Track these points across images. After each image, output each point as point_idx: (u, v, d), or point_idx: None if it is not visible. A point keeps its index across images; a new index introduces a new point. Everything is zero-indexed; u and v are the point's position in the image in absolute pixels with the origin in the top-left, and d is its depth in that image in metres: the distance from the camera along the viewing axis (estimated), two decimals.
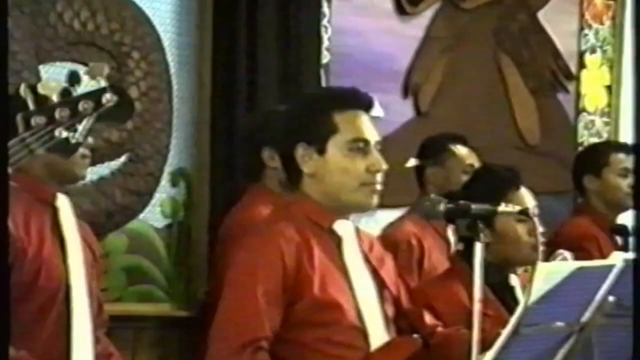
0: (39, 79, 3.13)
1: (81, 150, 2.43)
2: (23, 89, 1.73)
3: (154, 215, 3.46)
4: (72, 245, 2.44)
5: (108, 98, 1.75)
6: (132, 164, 3.41)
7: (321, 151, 2.30)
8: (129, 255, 3.36)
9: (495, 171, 2.87)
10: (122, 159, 3.38)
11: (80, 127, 1.75)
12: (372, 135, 2.33)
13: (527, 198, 2.72)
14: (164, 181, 3.49)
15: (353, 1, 3.96)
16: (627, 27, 4.76)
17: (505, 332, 2.15)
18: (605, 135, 4.76)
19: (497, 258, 2.67)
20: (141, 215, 3.43)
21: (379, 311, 2.34)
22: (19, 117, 1.72)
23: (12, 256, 2.26)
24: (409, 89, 4.14)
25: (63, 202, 2.47)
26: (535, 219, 2.63)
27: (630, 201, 3.74)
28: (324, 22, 3.83)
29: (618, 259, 2.27)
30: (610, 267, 2.23)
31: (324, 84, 3.78)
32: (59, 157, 2.33)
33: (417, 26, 4.16)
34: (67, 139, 1.72)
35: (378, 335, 2.31)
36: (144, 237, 3.41)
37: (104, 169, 3.33)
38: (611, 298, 2.22)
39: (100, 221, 3.31)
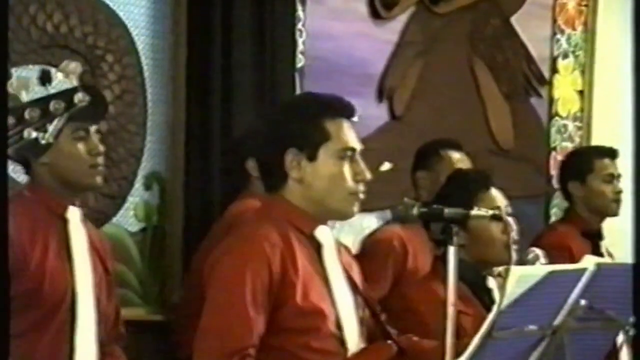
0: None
1: (89, 159, 2.46)
2: None
3: (127, 219, 3.44)
4: (80, 256, 2.43)
5: (80, 98, 1.72)
6: (106, 168, 3.39)
7: (312, 158, 2.30)
8: None
9: (466, 174, 2.91)
10: None
11: (50, 128, 1.71)
12: (357, 143, 2.36)
13: (498, 198, 2.76)
14: (138, 185, 3.48)
15: (328, 5, 3.97)
16: (599, 32, 4.80)
17: (478, 336, 2.16)
18: (577, 140, 4.80)
19: (473, 258, 2.71)
20: (115, 219, 3.41)
21: (355, 318, 2.34)
22: None
23: (12, 265, 2.24)
24: (383, 93, 4.15)
25: (74, 214, 2.46)
26: (509, 218, 2.66)
27: (615, 207, 3.75)
28: (299, 26, 3.83)
29: (590, 262, 2.28)
30: (582, 271, 2.25)
31: (298, 87, 3.78)
32: (67, 169, 2.36)
33: (391, 30, 4.17)
34: (36, 139, 1.69)
35: (355, 342, 2.31)
36: (118, 241, 3.39)
37: None
38: (583, 302, 2.24)
39: None
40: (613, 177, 3.74)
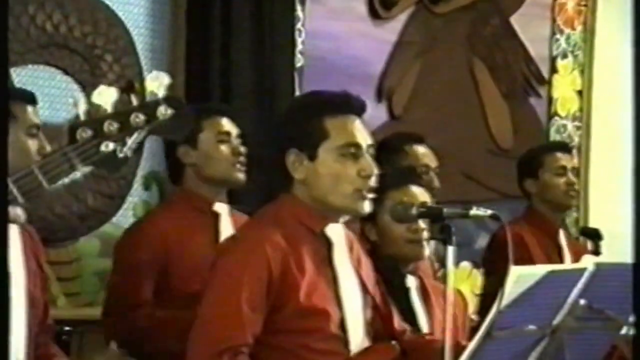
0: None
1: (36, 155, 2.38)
2: (75, 98, 1.64)
3: (126, 219, 3.44)
4: (13, 256, 2.41)
5: (162, 111, 1.66)
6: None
7: (312, 157, 2.28)
8: (102, 259, 3.34)
9: (390, 169, 2.88)
10: None
11: (129, 141, 1.65)
12: (364, 139, 2.32)
13: (417, 195, 2.70)
14: (137, 184, 3.47)
15: (327, 5, 3.97)
16: (598, 32, 4.80)
17: (478, 336, 2.16)
18: (576, 140, 4.80)
19: (387, 256, 2.68)
20: (114, 219, 3.41)
21: (362, 319, 2.33)
22: (65, 129, 1.64)
23: None
24: (382, 93, 4.15)
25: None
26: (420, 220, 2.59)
27: (569, 199, 3.73)
28: (298, 25, 3.83)
29: (589, 262, 2.28)
30: (581, 271, 2.25)
31: (297, 87, 3.78)
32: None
33: (390, 30, 4.17)
34: (114, 152, 1.62)
35: (359, 343, 2.30)
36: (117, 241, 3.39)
37: (75, 172, 3.30)
38: (582, 301, 2.24)
39: (73, 225, 3.30)
40: (565, 170, 3.71)
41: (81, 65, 3.33)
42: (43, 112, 3.27)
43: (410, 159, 3.39)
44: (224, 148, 2.93)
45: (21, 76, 3.22)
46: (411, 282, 2.71)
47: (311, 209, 2.30)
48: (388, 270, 2.66)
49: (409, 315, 2.65)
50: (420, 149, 3.42)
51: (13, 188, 1.56)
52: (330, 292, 2.28)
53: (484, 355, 2.16)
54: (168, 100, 1.65)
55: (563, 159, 3.73)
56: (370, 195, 2.30)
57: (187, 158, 2.96)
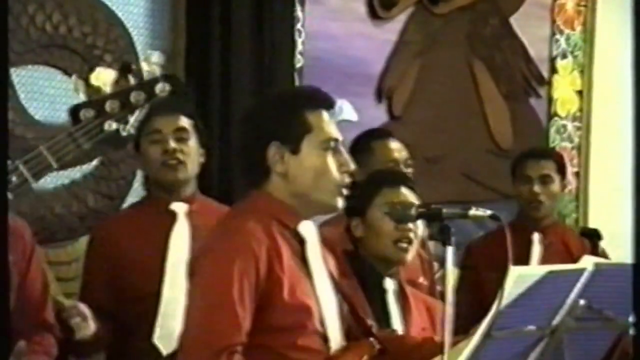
0: None
1: None
2: (74, 81, 1.65)
3: None
4: None
5: (161, 88, 1.67)
6: (104, 168, 3.39)
7: (295, 150, 2.27)
8: None
9: (377, 172, 2.89)
10: (94, 162, 3.36)
11: (131, 119, 1.67)
12: (339, 134, 2.33)
13: (409, 196, 2.71)
14: (137, 184, 3.47)
15: (327, 5, 3.97)
16: (597, 32, 4.81)
17: (477, 335, 2.16)
18: (576, 140, 4.81)
19: (367, 252, 2.69)
20: None
21: (337, 314, 2.32)
22: (67, 111, 1.64)
23: None
24: (382, 93, 4.15)
25: None
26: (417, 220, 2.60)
27: (530, 209, 3.63)
28: (298, 26, 3.83)
29: (588, 262, 2.28)
30: (580, 271, 2.25)
31: None
32: None
33: (390, 30, 4.17)
34: (117, 130, 1.64)
35: (337, 339, 2.30)
36: None
37: (75, 172, 3.31)
38: (582, 301, 2.24)
39: (73, 225, 3.30)
40: (530, 179, 3.63)
41: (81, 66, 3.33)
42: (43, 112, 3.28)
43: (377, 155, 3.36)
44: (155, 148, 2.92)
45: (21, 76, 3.22)
46: (389, 284, 2.71)
47: (286, 205, 2.28)
48: (366, 270, 2.66)
49: (384, 317, 2.64)
50: (391, 144, 3.39)
51: (23, 169, 1.57)
52: (309, 289, 2.27)
53: (483, 355, 2.16)
54: (166, 77, 1.66)
55: (530, 168, 3.64)
56: (346, 191, 2.30)
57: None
